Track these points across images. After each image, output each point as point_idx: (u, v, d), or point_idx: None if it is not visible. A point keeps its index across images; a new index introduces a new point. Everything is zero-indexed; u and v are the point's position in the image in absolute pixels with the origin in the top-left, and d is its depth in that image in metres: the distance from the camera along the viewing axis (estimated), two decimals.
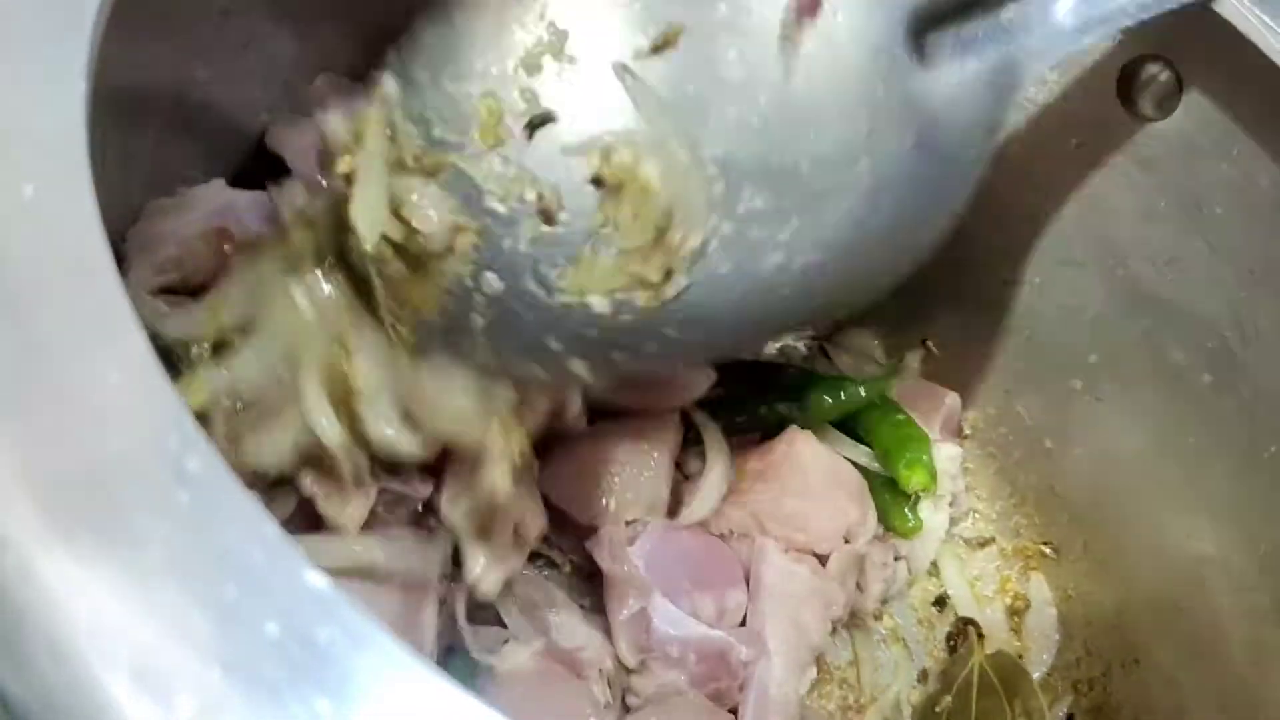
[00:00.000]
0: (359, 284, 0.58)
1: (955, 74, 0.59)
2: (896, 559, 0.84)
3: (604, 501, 0.74)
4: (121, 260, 0.60)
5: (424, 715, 0.32)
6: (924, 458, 0.82)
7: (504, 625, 0.72)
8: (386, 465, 0.65)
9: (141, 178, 0.64)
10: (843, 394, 0.83)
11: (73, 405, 0.35)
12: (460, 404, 0.58)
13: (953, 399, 0.87)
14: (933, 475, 0.82)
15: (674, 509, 0.77)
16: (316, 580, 0.33)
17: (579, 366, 0.57)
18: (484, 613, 0.71)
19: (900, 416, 0.84)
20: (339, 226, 0.57)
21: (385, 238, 0.56)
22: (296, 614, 0.33)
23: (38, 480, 0.34)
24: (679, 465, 0.80)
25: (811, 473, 0.78)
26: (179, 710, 0.31)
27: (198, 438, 0.35)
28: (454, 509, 0.64)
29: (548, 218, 0.57)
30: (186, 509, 0.34)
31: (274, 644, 0.32)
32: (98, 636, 0.32)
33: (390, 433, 0.57)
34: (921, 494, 0.83)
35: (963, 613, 0.85)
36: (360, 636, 0.33)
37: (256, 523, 0.34)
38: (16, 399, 0.35)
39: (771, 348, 0.87)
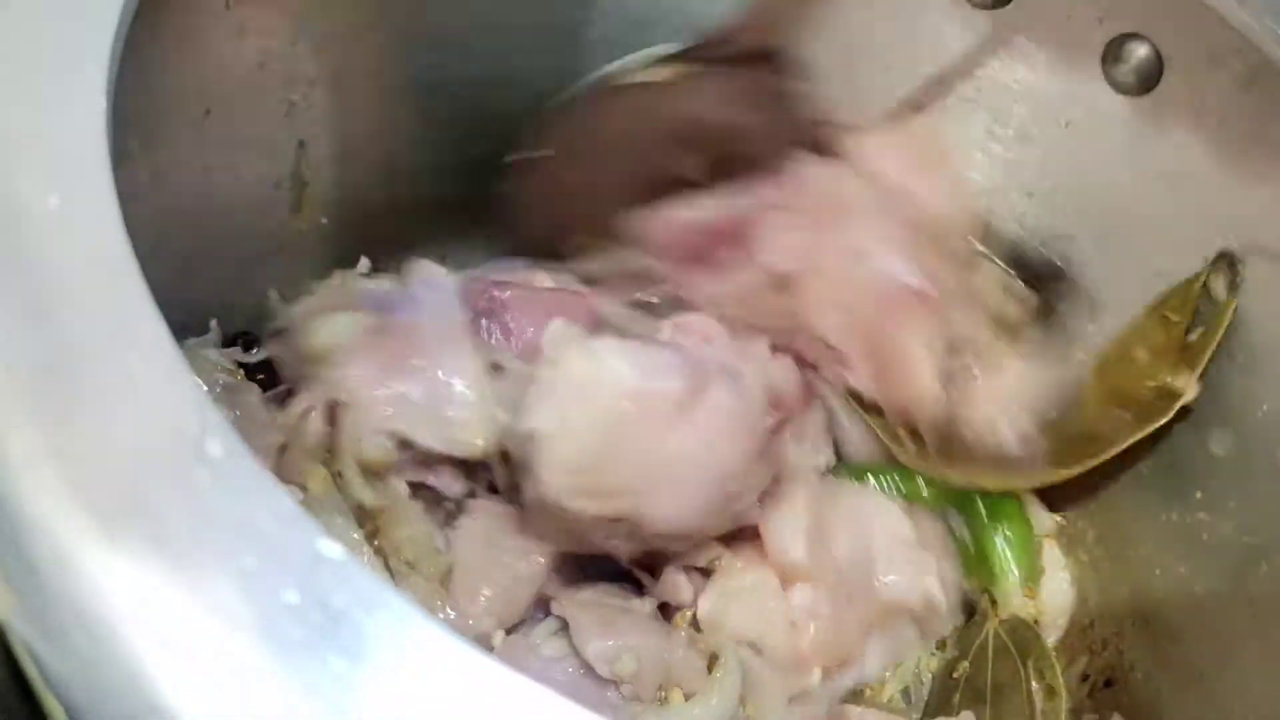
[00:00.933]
0: None
1: None
2: None
3: None
4: None
5: (435, 672, 0.34)
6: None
7: None
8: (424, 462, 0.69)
9: (172, 190, 0.67)
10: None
11: (99, 393, 0.37)
12: None
13: None
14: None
15: None
16: (331, 549, 0.36)
17: None
18: None
19: None
20: None
21: None
22: (314, 581, 0.35)
23: (68, 465, 0.36)
24: None
25: None
26: (207, 674, 0.33)
27: (218, 420, 0.37)
28: None
29: None
30: (207, 486, 0.36)
31: (293, 610, 0.34)
32: (128, 608, 0.34)
33: None
34: None
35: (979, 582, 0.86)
36: (373, 600, 0.35)
37: (273, 497, 0.36)
38: (47, 389, 0.37)
39: None
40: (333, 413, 0.67)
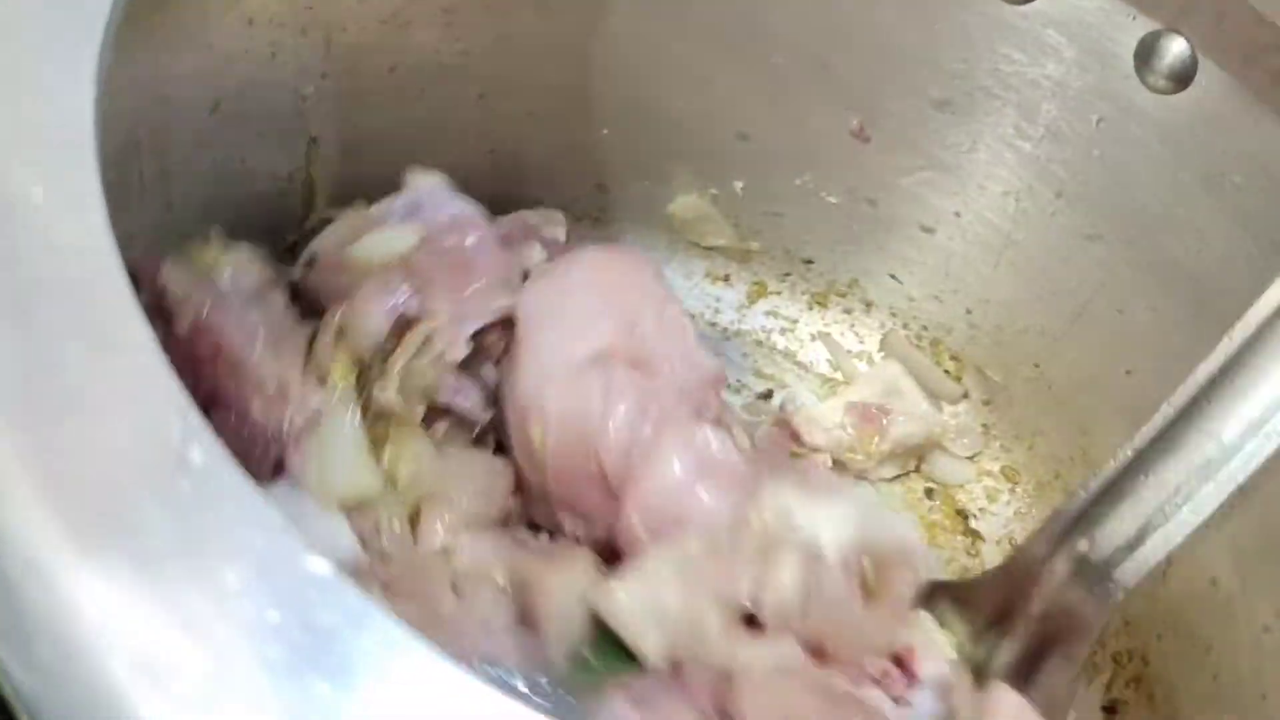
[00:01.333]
0: None
1: None
2: None
3: None
4: None
5: (422, 694, 0.33)
6: None
7: None
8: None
9: (181, 184, 0.66)
10: None
11: (78, 398, 0.36)
12: None
13: None
14: None
15: None
16: (317, 566, 0.34)
17: None
18: None
19: None
20: None
21: None
22: (297, 599, 0.34)
23: (43, 472, 0.35)
24: None
25: None
26: (179, 696, 0.32)
27: (200, 428, 0.36)
28: None
29: None
30: (189, 498, 0.35)
31: (274, 629, 0.33)
32: (101, 625, 0.33)
33: None
34: None
35: None
36: (360, 620, 0.34)
37: (258, 510, 0.35)
38: (24, 392, 0.36)
39: None
40: (399, 326, 0.67)
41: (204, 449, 0.35)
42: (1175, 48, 0.68)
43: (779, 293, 0.91)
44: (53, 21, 0.45)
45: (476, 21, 0.76)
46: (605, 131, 0.85)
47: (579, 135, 0.85)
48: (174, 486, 0.35)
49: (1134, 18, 0.69)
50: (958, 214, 0.83)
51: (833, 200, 0.86)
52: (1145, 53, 0.69)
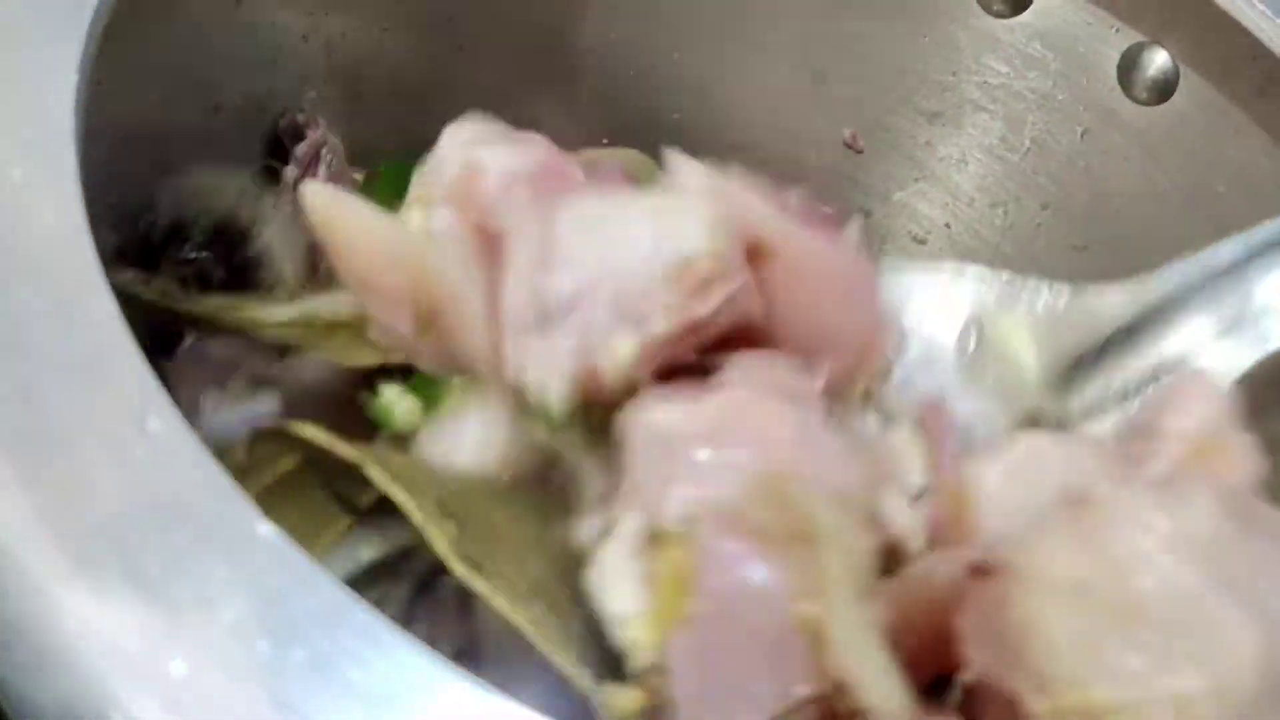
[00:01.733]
0: None
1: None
2: None
3: None
4: None
5: (362, 656, 0.34)
6: None
7: None
8: None
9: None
10: None
11: (40, 365, 0.37)
12: None
13: None
14: None
15: None
16: (266, 530, 0.35)
17: None
18: None
19: None
20: None
21: None
22: (246, 562, 0.34)
23: (5, 442, 0.36)
24: None
25: None
26: (124, 651, 0.33)
27: (159, 396, 0.37)
28: None
29: None
30: (145, 463, 0.36)
31: (221, 590, 0.34)
32: (48, 584, 0.34)
33: None
34: None
35: None
36: (306, 583, 0.34)
37: (210, 474, 0.36)
38: None
39: None
40: None
41: (161, 416, 0.36)
42: (1158, 60, 0.69)
43: None
44: (41, 13, 0.47)
45: (479, 29, 0.77)
46: (605, 141, 0.85)
47: (580, 143, 0.85)
48: (131, 453, 0.36)
49: (1117, 30, 0.69)
50: (948, 225, 0.84)
51: (828, 211, 0.86)
52: (1128, 65, 0.70)
